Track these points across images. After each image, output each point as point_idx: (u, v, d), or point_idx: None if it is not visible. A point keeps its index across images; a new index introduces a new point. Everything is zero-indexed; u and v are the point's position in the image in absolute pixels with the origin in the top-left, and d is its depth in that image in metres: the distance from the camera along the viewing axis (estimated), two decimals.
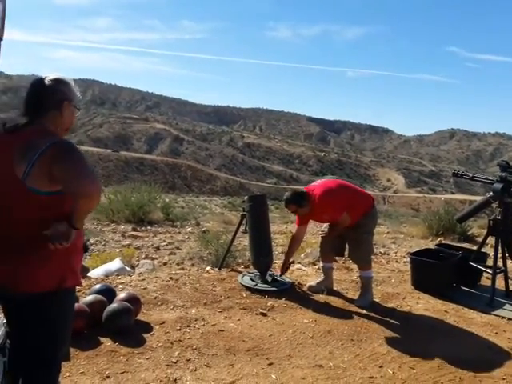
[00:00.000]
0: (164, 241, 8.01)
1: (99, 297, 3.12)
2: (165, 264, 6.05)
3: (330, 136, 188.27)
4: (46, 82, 1.68)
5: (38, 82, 1.69)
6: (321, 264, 4.39)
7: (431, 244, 7.84)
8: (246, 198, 4.72)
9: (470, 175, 4.72)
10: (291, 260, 4.42)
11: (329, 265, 4.32)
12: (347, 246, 4.17)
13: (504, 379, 2.85)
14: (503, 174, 4.17)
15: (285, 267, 4.29)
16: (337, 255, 4.46)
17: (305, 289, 4.25)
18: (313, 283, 4.26)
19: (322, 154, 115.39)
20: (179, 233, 9.36)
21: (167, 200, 14.15)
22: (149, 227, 9.46)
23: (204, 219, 13.50)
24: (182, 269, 5.19)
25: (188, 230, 9.88)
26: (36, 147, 1.51)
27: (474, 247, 6.53)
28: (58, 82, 1.70)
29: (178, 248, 7.40)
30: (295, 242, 4.20)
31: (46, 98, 1.66)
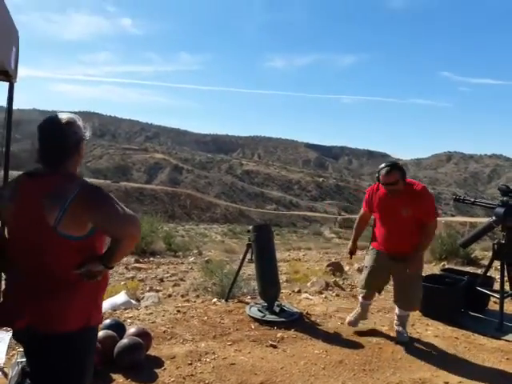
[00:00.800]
0: (167, 272, 7.98)
1: (110, 332, 3.12)
2: (169, 296, 6.02)
3: (327, 161, 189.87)
4: (61, 127, 1.67)
5: (53, 129, 1.67)
6: (360, 300, 4.02)
7: (435, 268, 7.84)
8: (251, 227, 4.76)
9: (472, 200, 4.79)
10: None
11: (368, 302, 4.03)
12: (395, 283, 3.85)
13: None
14: (505, 198, 4.24)
15: (351, 251, 4.09)
16: (378, 292, 4.13)
17: (346, 324, 4.03)
18: (352, 319, 4.00)
19: (321, 180, 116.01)
20: (182, 263, 9.34)
21: (167, 229, 14.17)
22: (151, 258, 9.44)
23: (206, 248, 13.49)
24: (188, 301, 5.17)
25: (191, 260, 9.86)
26: (65, 194, 1.55)
27: (479, 270, 6.54)
28: (72, 125, 1.70)
29: (181, 279, 7.37)
30: (360, 223, 4.01)
31: (66, 143, 1.67)
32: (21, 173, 1.78)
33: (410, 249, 3.60)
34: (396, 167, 3.53)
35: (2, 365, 3.16)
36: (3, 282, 1.86)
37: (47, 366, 1.69)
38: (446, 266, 7.62)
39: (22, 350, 2.69)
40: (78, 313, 1.65)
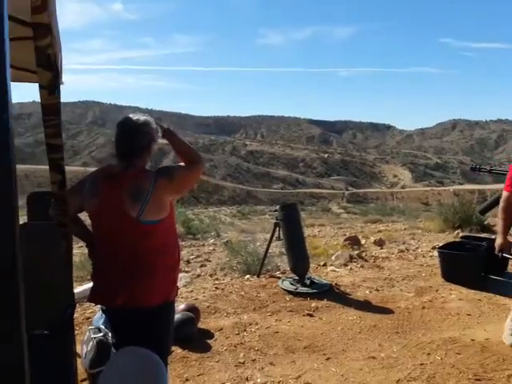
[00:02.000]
0: (192, 254, 8.29)
1: None
2: (198, 276, 6.31)
3: (331, 137, 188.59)
4: (137, 127, 1.87)
5: (130, 128, 1.88)
6: None
7: (449, 237, 8.06)
8: (278, 206, 5.00)
9: (488, 169, 4.96)
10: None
11: None
12: None
13: None
14: None
15: (502, 248, 3.20)
16: None
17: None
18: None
19: (326, 156, 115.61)
20: (203, 245, 9.65)
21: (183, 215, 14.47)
22: None
23: (222, 230, 13.79)
24: (217, 279, 5.46)
25: (211, 241, 10.18)
26: (144, 188, 1.78)
27: (494, 236, 6.75)
28: (146, 125, 1.90)
29: (207, 260, 7.67)
30: (510, 208, 3.18)
31: (139, 142, 1.87)
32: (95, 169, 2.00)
33: None
34: None
35: None
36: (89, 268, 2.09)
37: (137, 335, 1.95)
38: (462, 234, 7.83)
39: (92, 327, 2.98)
40: (159, 290, 1.90)
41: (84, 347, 2.86)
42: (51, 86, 0.80)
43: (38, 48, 0.75)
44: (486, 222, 9.49)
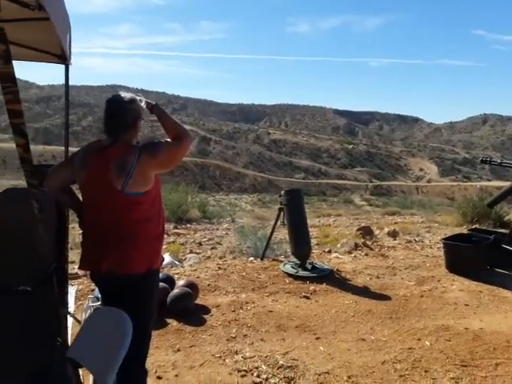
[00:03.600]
0: (204, 237, 8.47)
1: (162, 284, 3.54)
2: (208, 258, 6.48)
3: (357, 128, 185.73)
4: (122, 104, 1.97)
5: (116, 105, 1.98)
6: None
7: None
8: (282, 192, 5.06)
9: (498, 161, 4.88)
10: None
11: None
12: None
13: None
14: None
15: None
16: None
17: None
18: None
19: (351, 147, 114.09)
20: (217, 229, 9.82)
21: (200, 199, 14.70)
22: (188, 225, 9.98)
23: (238, 216, 13.96)
24: (226, 261, 5.60)
25: (225, 226, 10.35)
26: (128, 161, 1.88)
27: (503, 230, 6.63)
28: (132, 103, 1.99)
29: (218, 243, 7.84)
30: None
31: (124, 119, 1.97)
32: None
33: None
34: None
35: (72, 313, 3.66)
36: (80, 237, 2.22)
37: (122, 301, 2.07)
38: (475, 227, 7.70)
39: (91, 296, 3.15)
40: (142, 259, 2.01)
41: (83, 314, 3.04)
42: (6, 56, 0.89)
43: None
44: (506, 218, 9.31)
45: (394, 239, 8.09)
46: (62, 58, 3.11)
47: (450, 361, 2.87)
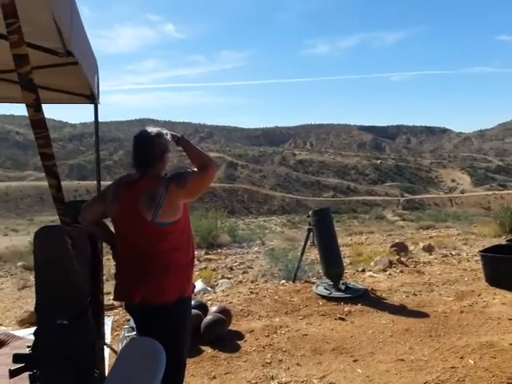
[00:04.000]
0: (235, 261, 8.50)
1: (196, 311, 3.56)
2: (240, 282, 6.49)
3: (384, 142, 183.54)
4: (150, 139, 2.05)
5: (144, 141, 2.07)
6: None
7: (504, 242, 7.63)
8: (310, 212, 5.04)
9: None
10: None
11: None
12: None
13: None
14: None
15: None
16: None
17: None
18: None
19: (379, 162, 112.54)
20: (247, 253, 9.84)
21: (229, 224, 14.80)
22: (219, 250, 10.05)
23: (267, 238, 13.93)
24: (258, 285, 5.58)
25: (255, 249, 10.34)
26: (157, 193, 1.95)
27: None
28: (159, 137, 2.08)
29: (249, 267, 7.84)
30: None
31: (152, 153, 2.05)
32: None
33: None
34: None
35: (109, 343, 3.73)
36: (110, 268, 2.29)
37: (155, 329, 2.10)
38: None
39: (127, 327, 3.21)
40: (174, 287, 2.05)
41: (119, 345, 3.09)
42: (36, 104, 0.97)
43: (20, 74, 0.92)
44: None
45: (430, 254, 7.87)
46: (91, 98, 3.30)
47: (496, 379, 2.73)
